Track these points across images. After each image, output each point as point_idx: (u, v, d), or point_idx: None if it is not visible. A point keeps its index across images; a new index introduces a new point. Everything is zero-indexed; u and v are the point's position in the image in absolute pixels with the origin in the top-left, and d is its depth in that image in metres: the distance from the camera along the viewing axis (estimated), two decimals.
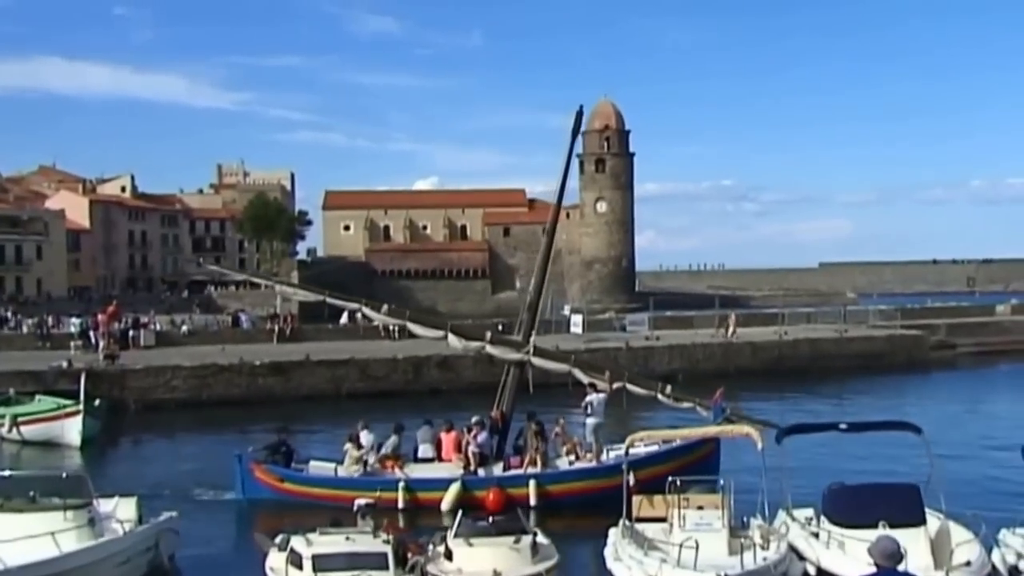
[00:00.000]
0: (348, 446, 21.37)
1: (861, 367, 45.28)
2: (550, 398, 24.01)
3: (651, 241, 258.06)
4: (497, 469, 21.17)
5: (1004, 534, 13.76)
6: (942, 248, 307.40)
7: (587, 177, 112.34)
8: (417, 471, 21.07)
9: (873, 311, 60.92)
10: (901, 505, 13.92)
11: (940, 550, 13.47)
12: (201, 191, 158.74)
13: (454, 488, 19.82)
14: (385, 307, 23.61)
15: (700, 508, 14.68)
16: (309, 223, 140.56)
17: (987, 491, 19.45)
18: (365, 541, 13.36)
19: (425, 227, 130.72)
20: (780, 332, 50.00)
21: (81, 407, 29.87)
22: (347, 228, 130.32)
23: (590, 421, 22.21)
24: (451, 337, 22.89)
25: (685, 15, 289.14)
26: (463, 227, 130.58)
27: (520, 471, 20.78)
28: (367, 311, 23.59)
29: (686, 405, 22.90)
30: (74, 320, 50.74)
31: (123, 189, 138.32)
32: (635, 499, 15.72)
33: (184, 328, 52.35)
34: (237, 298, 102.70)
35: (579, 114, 23.70)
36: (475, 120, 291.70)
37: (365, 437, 21.60)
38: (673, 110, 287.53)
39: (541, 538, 14.16)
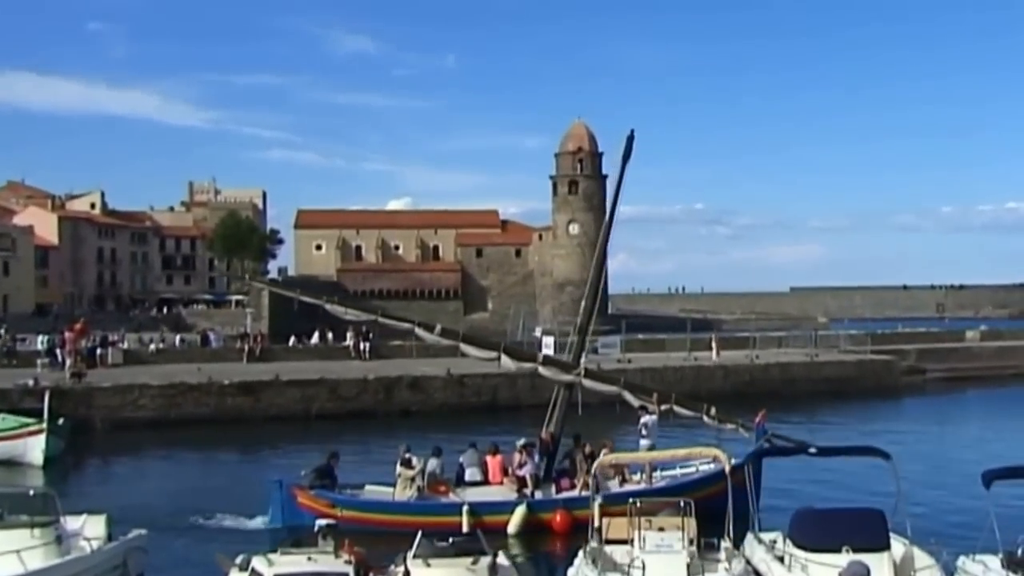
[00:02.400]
0: (400, 469, 20.80)
1: (831, 392, 45.49)
2: (592, 420, 24.08)
3: (624, 264, 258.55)
4: (547, 492, 20.95)
5: (963, 561, 13.82)
6: (912, 274, 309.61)
7: (560, 199, 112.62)
8: (473, 494, 20.72)
9: (844, 336, 61.30)
10: (865, 530, 14.01)
11: (903, 575, 13.59)
12: (172, 209, 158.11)
13: (520, 511, 19.60)
14: (438, 327, 23.40)
15: (661, 530, 14.69)
16: (281, 242, 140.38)
17: (951, 517, 19.54)
18: (326, 561, 13.28)
19: (397, 247, 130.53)
20: (751, 356, 50.18)
21: (45, 425, 29.48)
22: (319, 247, 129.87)
23: (644, 443, 22.53)
24: (504, 358, 22.88)
25: (659, 39, 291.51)
26: (435, 248, 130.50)
27: (580, 493, 20.34)
28: (420, 331, 23.10)
29: (729, 427, 23.02)
30: (41, 337, 50.15)
31: (92, 206, 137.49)
32: (604, 521, 15.71)
33: (152, 346, 51.89)
34: (206, 317, 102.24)
35: (630, 138, 23.60)
36: (449, 141, 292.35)
37: (417, 461, 21.13)
38: (646, 133, 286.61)
39: (501, 559, 14.10)
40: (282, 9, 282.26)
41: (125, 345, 50.92)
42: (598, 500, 16.91)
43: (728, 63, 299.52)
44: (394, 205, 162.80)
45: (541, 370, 23.04)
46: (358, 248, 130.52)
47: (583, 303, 24.66)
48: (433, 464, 21.29)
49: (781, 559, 14.29)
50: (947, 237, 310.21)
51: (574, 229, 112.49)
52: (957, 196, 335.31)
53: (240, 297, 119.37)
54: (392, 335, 74.28)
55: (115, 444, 33.63)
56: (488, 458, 21.81)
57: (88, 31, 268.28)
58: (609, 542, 15.24)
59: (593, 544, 15.12)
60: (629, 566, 13.81)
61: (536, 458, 21.23)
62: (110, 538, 15.68)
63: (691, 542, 14.57)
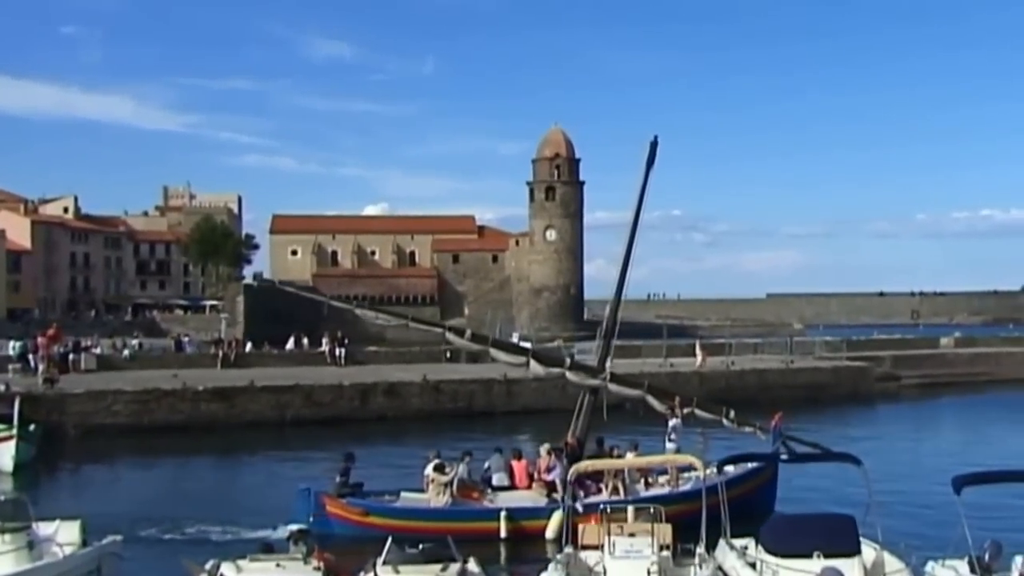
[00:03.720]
0: (434, 475, 20.53)
1: (807, 398, 45.64)
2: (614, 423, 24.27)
3: (601, 269, 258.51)
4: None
5: (932, 566, 13.90)
6: (888, 281, 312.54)
7: (537, 205, 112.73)
8: (504, 499, 20.57)
9: (819, 342, 61.49)
10: (836, 535, 14.08)
11: None
12: (146, 213, 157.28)
13: (558, 515, 19.44)
14: (469, 332, 23.90)
15: (632, 536, 14.75)
16: (256, 247, 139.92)
17: (923, 522, 19.65)
18: (295, 568, 13.22)
19: (374, 253, 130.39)
20: (727, 362, 50.31)
21: (14, 432, 29.19)
22: (295, 253, 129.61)
23: (671, 446, 22.75)
24: (532, 363, 23.23)
25: (638, 47, 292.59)
26: (412, 253, 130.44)
27: (611, 497, 20.32)
28: (451, 336, 23.49)
29: (748, 429, 23.69)
30: (13, 343, 49.67)
31: (66, 210, 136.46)
32: (580, 526, 15.74)
33: (126, 352, 51.52)
34: (181, 322, 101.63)
35: (654, 144, 23.90)
36: (426, 146, 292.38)
37: (449, 466, 20.92)
38: (624, 140, 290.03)
39: (472, 566, 14.08)
40: (259, 14, 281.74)
41: (98, 351, 50.48)
42: (573, 506, 16.93)
43: (706, 71, 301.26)
44: (370, 210, 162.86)
45: (568, 375, 23.37)
46: (334, 253, 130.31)
47: (608, 307, 24.95)
48: (462, 469, 21.12)
49: (753, 565, 14.34)
50: (922, 244, 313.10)
51: (551, 235, 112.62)
52: (932, 203, 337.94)
53: (215, 302, 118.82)
54: (367, 341, 74.23)
55: (88, 450, 33.34)
56: (514, 462, 21.82)
57: (62, 35, 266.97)
58: (585, 547, 15.28)
59: (568, 550, 15.14)
60: (593, 571, 14.00)
61: (564, 462, 21.10)
62: (85, 544, 15.57)
63: (666, 548, 14.64)
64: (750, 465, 21.04)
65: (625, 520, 15.31)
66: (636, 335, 73.85)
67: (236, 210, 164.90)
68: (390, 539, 14.34)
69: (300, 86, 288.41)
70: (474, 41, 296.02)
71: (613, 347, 24.66)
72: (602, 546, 14.64)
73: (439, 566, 13.59)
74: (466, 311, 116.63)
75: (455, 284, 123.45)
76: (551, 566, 14.30)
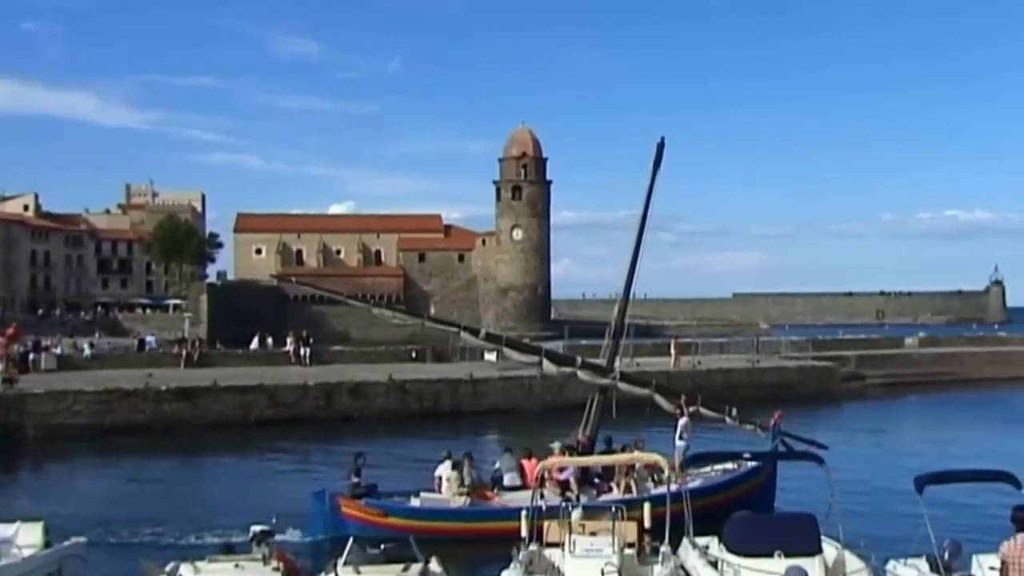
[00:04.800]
0: (450, 474, 20.38)
1: (773, 397, 45.67)
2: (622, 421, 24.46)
3: (568, 269, 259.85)
4: (587, 494, 20.71)
5: (894, 565, 13.98)
6: (854, 280, 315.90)
7: (503, 204, 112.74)
8: (517, 499, 20.12)
9: (785, 342, 61.98)
10: (797, 535, 14.10)
11: None
12: (108, 211, 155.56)
13: (575, 514, 19.40)
14: (483, 331, 24.61)
15: (593, 534, 14.77)
16: (220, 246, 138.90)
17: (886, 521, 19.73)
18: (254, 569, 13.04)
19: (339, 252, 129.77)
20: (694, 362, 50.48)
21: None
22: (259, 251, 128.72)
23: (680, 444, 22.85)
24: (545, 362, 23.74)
25: (604, 47, 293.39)
26: (378, 252, 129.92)
27: (624, 496, 20.33)
28: (465, 335, 23.91)
29: (748, 428, 24.24)
30: None
31: (26, 208, 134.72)
32: (545, 524, 15.71)
33: (87, 352, 50.95)
34: (144, 321, 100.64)
35: (660, 145, 24.03)
36: (392, 145, 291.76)
37: (464, 467, 20.82)
38: (591, 139, 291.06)
39: (434, 565, 14.01)
40: (225, 11, 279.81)
41: (59, 350, 49.97)
42: (538, 505, 16.84)
43: (672, 72, 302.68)
44: (336, 209, 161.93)
45: (579, 374, 23.76)
46: (299, 252, 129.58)
47: (616, 307, 25.16)
48: (467, 469, 21.01)
49: (714, 564, 14.39)
50: (888, 244, 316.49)
51: (518, 234, 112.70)
52: (897, 204, 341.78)
53: (178, 301, 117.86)
54: (332, 340, 73.99)
55: (48, 451, 32.97)
56: (524, 462, 21.74)
57: (23, 31, 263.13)
58: (550, 545, 15.26)
59: (532, 548, 15.12)
60: (553, 569, 14.08)
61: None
62: (48, 546, 15.32)
63: (630, 546, 14.64)
64: (750, 464, 21.35)
65: (599, 519, 15.28)
66: (603, 334, 74.13)
67: (200, 208, 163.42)
68: (351, 539, 14.23)
69: (266, 84, 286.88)
70: (441, 40, 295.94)
71: (622, 347, 25.26)
72: (563, 544, 14.64)
73: (401, 566, 13.47)
74: (432, 310, 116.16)
75: (421, 283, 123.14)
76: (512, 564, 14.27)
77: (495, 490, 21.09)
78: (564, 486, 20.60)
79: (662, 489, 20.78)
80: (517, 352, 24.12)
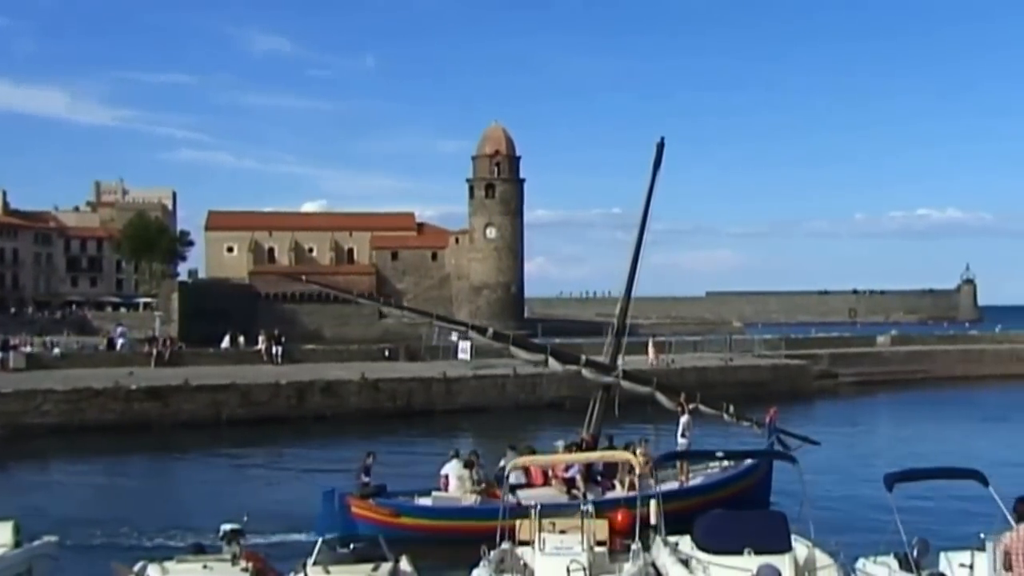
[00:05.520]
0: (463, 472, 20.33)
1: (746, 396, 45.77)
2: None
3: (541, 268, 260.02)
4: (592, 492, 20.80)
5: (863, 562, 14.07)
6: (827, 279, 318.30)
7: (476, 202, 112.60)
8: (535, 497, 19.67)
9: (758, 341, 62.26)
10: (767, 532, 14.18)
11: None
12: (77, 209, 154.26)
13: (588, 511, 19.37)
14: (491, 331, 24.93)
15: (563, 532, 14.80)
16: (191, 244, 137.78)
17: (857, 519, 19.89)
18: (223, 569, 12.99)
19: (311, 250, 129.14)
20: (667, 360, 50.63)
21: None
22: (230, 250, 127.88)
23: (683, 441, 23.30)
24: (551, 360, 24.13)
25: (576, 47, 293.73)
26: (350, 250, 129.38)
27: (628, 492, 20.24)
28: (473, 334, 24.70)
29: (745, 424, 24.79)
30: None
31: None
32: (518, 523, 15.74)
33: (56, 350, 50.50)
34: (114, 320, 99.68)
35: (660, 145, 24.18)
36: (365, 144, 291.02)
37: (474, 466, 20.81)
38: (565, 137, 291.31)
39: (404, 565, 14.01)
40: (197, 7, 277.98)
41: (28, 349, 49.51)
42: (508, 503, 16.93)
43: (643, 71, 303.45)
44: (308, 207, 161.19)
45: (584, 372, 24.05)
46: (271, 250, 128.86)
47: (618, 305, 25.45)
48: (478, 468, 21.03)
49: (685, 562, 14.46)
50: (859, 243, 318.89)
51: (491, 232, 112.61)
52: (869, 203, 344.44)
53: (149, 300, 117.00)
54: (304, 339, 73.57)
55: (17, 451, 32.62)
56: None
57: None
58: (522, 544, 15.28)
59: (504, 546, 15.14)
60: (522, 566, 14.21)
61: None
62: (19, 545, 15.17)
63: (600, 544, 14.72)
64: (748, 462, 21.67)
65: (570, 518, 15.34)
66: (577, 333, 74.22)
67: (171, 206, 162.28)
68: (320, 539, 14.17)
69: (238, 81, 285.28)
70: (415, 38, 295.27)
71: (624, 345, 25.47)
72: (533, 542, 14.68)
73: (370, 565, 13.46)
74: None
75: (394, 281, 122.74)
76: (481, 563, 14.28)
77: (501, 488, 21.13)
78: (570, 484, 20.69)
79: (670, 485, 21.11)
80: (524, 350, 24.47)
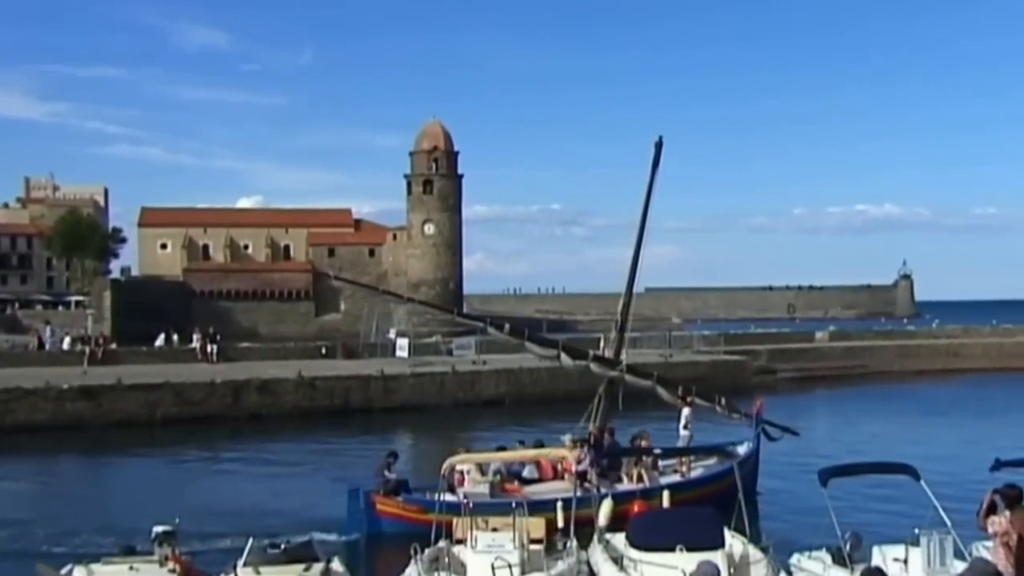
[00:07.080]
0: (470, 468, 20.26)
1: (685, 391, 46.37)
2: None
3: (481, 264, 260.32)
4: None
5: (797, 558, 14.25)
6: (766, 275, 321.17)
7: (414, 198, 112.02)
8: (552, 491, 19.96)
9: (697, 336, 62.55)
10: (700, 529, 14.32)
11: (738, 573, 13.97)
12: (6, 205, 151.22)
13: (607, 503, 18.85)
14: (507, 326, 25.59)
15: (495, 530, 14.85)
16: (124, 241, 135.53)
17: (793, 514, 20.13)
18: (150, 571, 12.92)
19: (247, 247, 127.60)
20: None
21: None
22: (164, 247, 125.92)
23: (684, 433, 23.92)
24: (563, 356, 24.76)
25: (515, 42, 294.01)
26: (287, 247, 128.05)
27: (636, 485, 20.91)
28: (491, 330, 25.29)
29: (736, 416, 25.71)
30: None
31: None
32: (453, 521, 15.75)
33: None
34: (44, 318, 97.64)
35: (659, 145, 24.82)
36: (302, 138, 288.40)
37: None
38: (503, 133, 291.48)
39: (336, 565, 13.96)
40: None
41: None
42: (444, 501, 16.97)
43: (581, 67, 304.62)
44: (244, 203, 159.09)
45: (592, 367, 24.44)
46: (205, 247, 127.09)
47: (621, 299, 25.57)
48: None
49: (617, 559, 14.57)
50: (799, 238, 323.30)
51: (429, 229, 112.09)
52: (808, 198, 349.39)
53: (81, 298, 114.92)
54: (239, 337, 72.73)
55: None
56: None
57: None
58: (458, 542, 15.28)
59: (441, 544, 15.13)
60: (454, 564, 14.25)
61: (593, 452, 21.31)
62: None
63: (536, 542, 14.84)
64: (742, 453, 22.42)
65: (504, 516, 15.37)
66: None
67: (102, 202, 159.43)
68: (251, 539, 14.03)
69: (171, 75, 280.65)
70: (353, 32, 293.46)
71: (626, 340, 26.12)
72: (466, 540, 14.76)
73: (302, 566, 13.40)
74: (342, 306, 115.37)
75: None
76: (412, 562, 14.25)
77: (515, 483, 21.08)
78: (582, 477, 20.70)
79: (672, 478, 21.65)
80: (537, 346, 25.21)
